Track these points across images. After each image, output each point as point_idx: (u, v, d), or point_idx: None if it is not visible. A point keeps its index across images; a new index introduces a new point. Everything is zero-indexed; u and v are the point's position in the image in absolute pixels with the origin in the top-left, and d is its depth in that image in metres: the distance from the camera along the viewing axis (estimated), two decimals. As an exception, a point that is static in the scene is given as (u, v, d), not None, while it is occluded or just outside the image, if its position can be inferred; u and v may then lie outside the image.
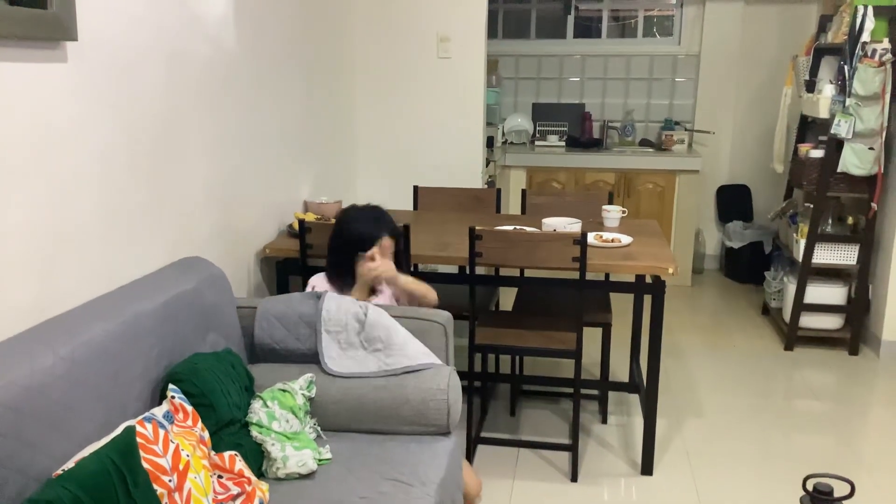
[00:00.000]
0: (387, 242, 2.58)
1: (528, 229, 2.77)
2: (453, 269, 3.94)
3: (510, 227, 2.89)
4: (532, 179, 5.29)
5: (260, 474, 1.92)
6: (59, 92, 1.79)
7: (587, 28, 5.76)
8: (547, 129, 5.66)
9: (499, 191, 3.67)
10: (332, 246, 2.62)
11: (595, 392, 3.54)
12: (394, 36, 4.07)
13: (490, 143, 4.94)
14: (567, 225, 3.08)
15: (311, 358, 2.30)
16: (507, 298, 4.62)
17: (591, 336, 4.12)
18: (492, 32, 5.78)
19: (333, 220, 2.71)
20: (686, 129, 5.46)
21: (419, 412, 2.15)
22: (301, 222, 2.81)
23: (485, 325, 2.93)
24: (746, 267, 5.32)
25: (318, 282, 2.64)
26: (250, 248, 2.91)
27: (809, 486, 1.57)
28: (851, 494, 1.43)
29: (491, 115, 5.36)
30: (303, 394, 2.09)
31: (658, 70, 5.61)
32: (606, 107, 5.72)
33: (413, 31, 4.06)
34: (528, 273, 3.16)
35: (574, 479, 2.82)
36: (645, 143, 5.54)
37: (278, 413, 1.98)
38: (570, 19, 5.72)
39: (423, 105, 4.14)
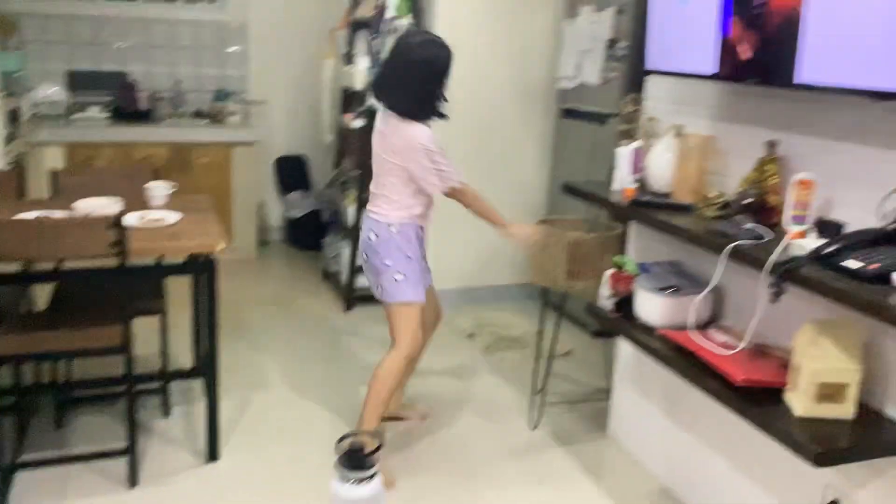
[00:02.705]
0: None
1: (58, 214, 2.43)
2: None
3: (33, 214, 2.51)
4: (73, 157, 4.72)
5: None
6: None
7: (124, -11, 5.29)
8: (87, 100, 5.09)
9: (19, 172, 3.16)
10: (423, 84, 2.55)
11: (157, 385, 3.31)
12: None
13: (14, 116, 4.26)
14: (104, 206, 2.78)
15: None
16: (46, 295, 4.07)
17: (151, 325, 3.85)
18: (5, -12, 4.96)
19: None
20: (240, 101, 5.38)
21: None
22: None
23: (10, 332, 2.50)
24: (308, 235, 5.49)
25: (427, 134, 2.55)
26: None
27: (343, 446, 1.63)
28: (379, 448, 1.54)
29: (13, 85, 4.62)
30: None
31: (207, 38, 5.41)
32: (154, 76, 5.34)
33: None
34: (68, 264, 2.79)
35: (133, 484, 2.59)
36: (199, 114, 5.32)
37: None
38: (102, -22, 5.19)
39: None
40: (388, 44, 4.00)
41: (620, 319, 2.52)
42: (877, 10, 1.71)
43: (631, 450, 2.99)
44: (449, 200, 2.67)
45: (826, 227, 1.98)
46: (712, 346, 2.19)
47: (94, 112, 4.99)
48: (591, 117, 4.03)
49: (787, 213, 2.01)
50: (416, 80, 2.55)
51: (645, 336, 2.38)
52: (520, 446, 3.00)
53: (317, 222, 5.45)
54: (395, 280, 2.64)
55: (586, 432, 3.13)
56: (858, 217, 1.96)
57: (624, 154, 2.63)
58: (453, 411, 3.26)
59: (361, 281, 4.46)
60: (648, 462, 2.88)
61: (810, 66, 1.90)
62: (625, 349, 3.02)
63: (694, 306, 2.31)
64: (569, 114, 4.28)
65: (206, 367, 2.74)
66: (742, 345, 2.14)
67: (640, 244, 2.88)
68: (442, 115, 2.65)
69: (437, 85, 2.59)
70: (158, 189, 3.04)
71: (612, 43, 3.81)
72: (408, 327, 2.68)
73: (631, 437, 2.99)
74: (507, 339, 4.04)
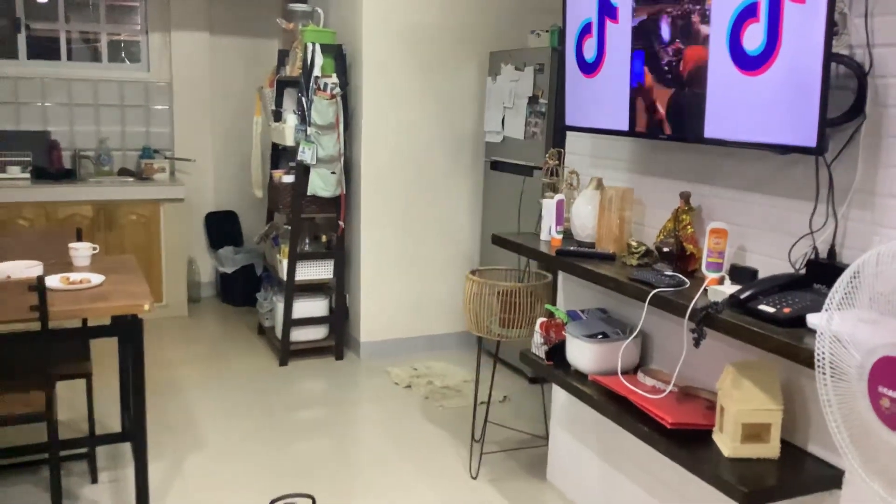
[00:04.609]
0: None
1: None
2: None
3: (-53, 280, 2.42)
4: (-9, 218, 4.58)
5: None
6: None
7: (46, 49, 5.21)
8: (6, 160, 4.95)
9: (-66, 236, 3.05)
10: None
11: (84, 450, 3.19)
12: None
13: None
14: (24, 269, 2.70)
15: None
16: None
17: (78, 387, 3.72)
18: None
19: None
20: (166, 157, 5.33)
21: None
22: None
23: (-78, 404, 2.39)
24: (241, 291, 5.42)
25: None
26: None
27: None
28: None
29: (-74, 145, 4.47)
30: None
31: (130, 97, 5.35)
32: (77, 134, 5.24)
33: None
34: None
35: (57, 559, 2.48)
36: (124, 172, 5.24)
37: None
38: (22, 38, 5.10)
39: None
40: (316, 101, 4.06)
41: (553, 367, 2.57)
42: (774, 73, 1.84)
43: (570, 495, 3.01)
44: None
45: (741, 274, 2.08)
46: (641, 390, 2.25)
47: (15, 172, 4.86)
48: (519, 169, 4.14)
49: (704, 261, 2.11)
50: None
51: (577, 382, 2.43)
52: (461, 495, 2.99)
53: (249, 277, 5.38)
54: None
55: (525, 479, 3.15)
56: (770, 263, 2.07)
57: (549, 206, 2.72)
58: (393, 462, 3.23)
59: (296, 335, 4.41)
60: (586, 507, 2.91)
61: (718, 122, 2.02)
62: (560, 395, 3.07)
63: (622, 352, 2.38)
64: (497, 166, 4.39)
65: (134, 430, 2.66)
66: (669, 388, 2.21)
67: (569, 292, 2.96)
68: None
69: None
70: (82, 250, 2.98)
71: (534, 99, 3.95)
72: None
73: (569, 482, 3.02)
74: (444, 389, 4.05)
